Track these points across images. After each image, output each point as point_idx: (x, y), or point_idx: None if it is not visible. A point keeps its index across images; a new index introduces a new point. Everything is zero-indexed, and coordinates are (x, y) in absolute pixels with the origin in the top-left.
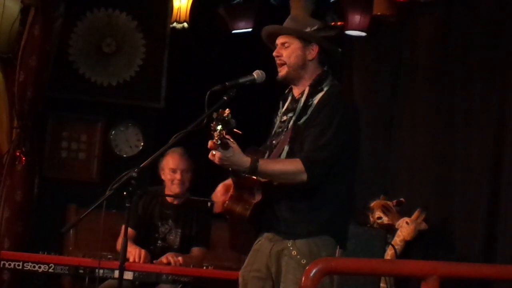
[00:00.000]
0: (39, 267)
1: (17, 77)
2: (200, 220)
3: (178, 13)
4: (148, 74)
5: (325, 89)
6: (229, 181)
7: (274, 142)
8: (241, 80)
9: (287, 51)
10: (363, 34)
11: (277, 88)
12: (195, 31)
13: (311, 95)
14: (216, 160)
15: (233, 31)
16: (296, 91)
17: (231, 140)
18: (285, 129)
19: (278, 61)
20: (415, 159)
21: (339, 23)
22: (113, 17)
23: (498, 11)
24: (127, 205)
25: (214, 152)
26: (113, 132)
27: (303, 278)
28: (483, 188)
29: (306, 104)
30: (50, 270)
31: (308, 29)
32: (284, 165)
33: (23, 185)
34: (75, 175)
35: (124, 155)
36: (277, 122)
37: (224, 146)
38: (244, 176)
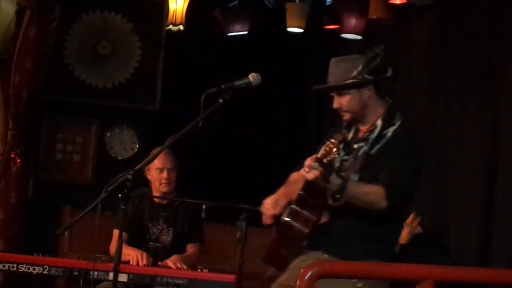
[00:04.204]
0: (34, 269)
1: (12, 79)
2: (190, 216)
3: (174, 16)
4: (143, 76)
5: (398, 123)
6: (276, 195)
7: (342, 167)
8: (237, 83)
9: (344, 101)
10: (359, 37)
11: (271, 91)
12: (191, 33)
13: (384, 127)
14: (312, 177)
15: (229, 34)
16: (363, 126)
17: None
18: (355, 158)
19: (341, 112)
20: None
21: (379, 48)
22: (109, 19)
23: (494, 14)
24: (121, 207)
25: (308, 170)
26: (108, 134)
27: (297, 282)
28: (478, 192)
29: (380, 135)
30: (45, 272)
31: (354, 73)
32: (369, 189)
33: (18, 187)
34: (70, 177)
35: (119, 157)
36: (344, 149)
37: (338, 171)
38: (316, 196)
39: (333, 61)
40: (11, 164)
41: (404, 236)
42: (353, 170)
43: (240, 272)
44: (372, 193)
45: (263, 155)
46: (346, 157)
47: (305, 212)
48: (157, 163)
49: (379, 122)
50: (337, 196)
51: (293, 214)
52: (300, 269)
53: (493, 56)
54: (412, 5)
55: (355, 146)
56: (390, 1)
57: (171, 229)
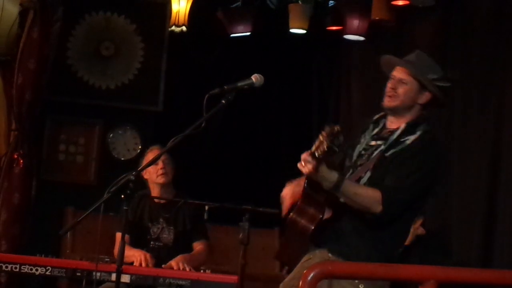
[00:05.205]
0: (36, 270)
1: (15, 80)
2: (192, 215)
3: (177, 17)
4: (146, 77)
5: (419, 133)
6: (294, 185)
7: (357, 163)
8: (240, 84)
9: (403, 88)
10: (362, 38)
11: (274, 93)
12: (194, 34)
13: (406, 133)
14: (306, 171)
15: (232, 35)
16: (391, 123)
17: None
18: (370, 155)
19: (391, 93)
20: None
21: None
22: (112, 20)
23: (497, 16)
24: (124, 208)
25: (304, 164)
26: (111, 135)
27: (300, 282)
28: (480, 193)
29: (398, 140)
30: (47, 272)
31: (429, 75)
32: (365, 191)
33: (21, 187)
34: (73, 178)
35: (122, 158)
36: (363, 144)
37: (329, 163)
38: (318, 192)
39: (418, 52)
40: (14, 165)
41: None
42: (365, 169)
43: (242, 273)
44: (368, 197)
45: (265, 156)
46: (363, 152)
47: (311, 209)
48: (151, 157)
49: (402, 126)
50: (333, 193)
51: (299, 211)
52: (305, 268)
53: (496, 57)
54: (415, 6)
55: (373, 142)
56: (392, 2)
57: (171, 227)
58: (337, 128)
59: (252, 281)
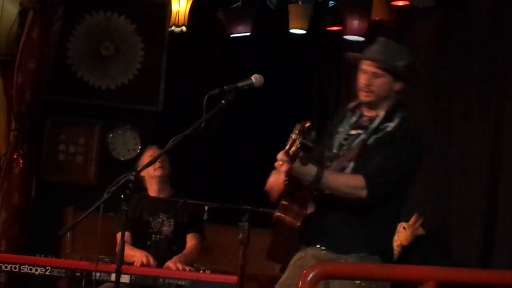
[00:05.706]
0: (36, 270)
1: (15, 80)
2: (192, 214)
3: (177, 17)
4: (146, 77)
5: (397, 120)
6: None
7: (339, 153)
8: (240, 84)
9: (378, 82)
10: (362, 39)
11: (274, 93)
12: (194, 35)
13: (385, 120)
14: (284, 169)
15: (232, 35)
16: (368, 111)
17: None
18: (351, 144)
19: (367, 89)
20: None
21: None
22: (112, 20)
23: (497, 17)
24: (124, 208)
25: (281, 163)
26: (111, 135)
27: (300, 283)
28: (480, 193)
29: (379, 128)
30: (47, 273)
31: (399, 63)
32: (347, 179)
33: (21, 187)
34: (73, 178)
35: (122, 159)
36: (343, 133)
37: (302, 159)
38: (300, 188)
39: (382, 40)
40: (14, 165)
41: (406, 237)
42: (348, 158)
43: (242, 273)
44: (351, 184)
45: (265, 156)
46: (344, 142)
47: (295, 206)
48: (150, 155)
49: (381, 114)
50: (315, 186)
51: (284, 209)
52: (299, 267)
53: (496, 57)
54: (415, 7)
55: (353, 132)
56: (392, 3)
57: (172, 220)
58: (308, 124)
59: (252, 281)
